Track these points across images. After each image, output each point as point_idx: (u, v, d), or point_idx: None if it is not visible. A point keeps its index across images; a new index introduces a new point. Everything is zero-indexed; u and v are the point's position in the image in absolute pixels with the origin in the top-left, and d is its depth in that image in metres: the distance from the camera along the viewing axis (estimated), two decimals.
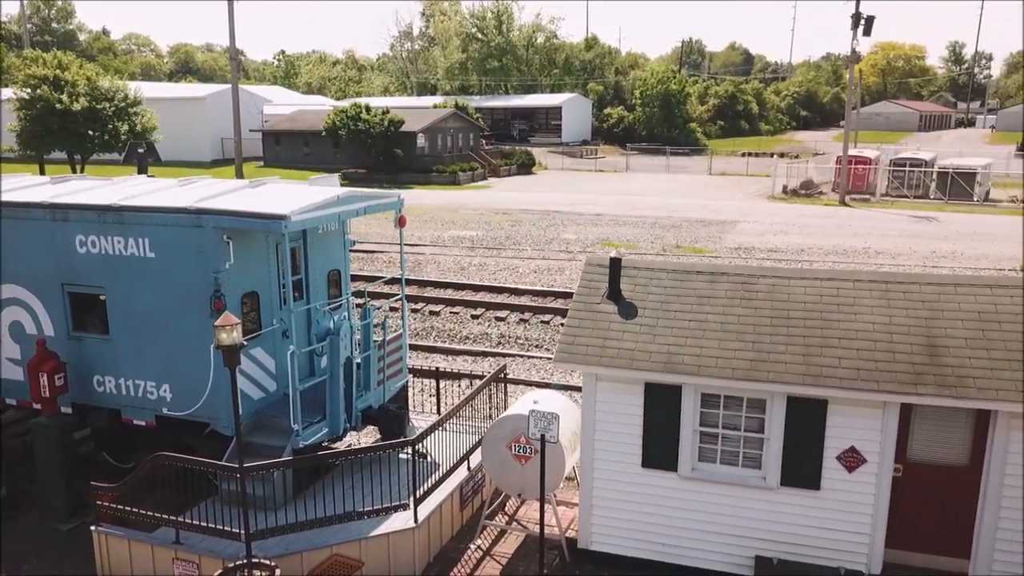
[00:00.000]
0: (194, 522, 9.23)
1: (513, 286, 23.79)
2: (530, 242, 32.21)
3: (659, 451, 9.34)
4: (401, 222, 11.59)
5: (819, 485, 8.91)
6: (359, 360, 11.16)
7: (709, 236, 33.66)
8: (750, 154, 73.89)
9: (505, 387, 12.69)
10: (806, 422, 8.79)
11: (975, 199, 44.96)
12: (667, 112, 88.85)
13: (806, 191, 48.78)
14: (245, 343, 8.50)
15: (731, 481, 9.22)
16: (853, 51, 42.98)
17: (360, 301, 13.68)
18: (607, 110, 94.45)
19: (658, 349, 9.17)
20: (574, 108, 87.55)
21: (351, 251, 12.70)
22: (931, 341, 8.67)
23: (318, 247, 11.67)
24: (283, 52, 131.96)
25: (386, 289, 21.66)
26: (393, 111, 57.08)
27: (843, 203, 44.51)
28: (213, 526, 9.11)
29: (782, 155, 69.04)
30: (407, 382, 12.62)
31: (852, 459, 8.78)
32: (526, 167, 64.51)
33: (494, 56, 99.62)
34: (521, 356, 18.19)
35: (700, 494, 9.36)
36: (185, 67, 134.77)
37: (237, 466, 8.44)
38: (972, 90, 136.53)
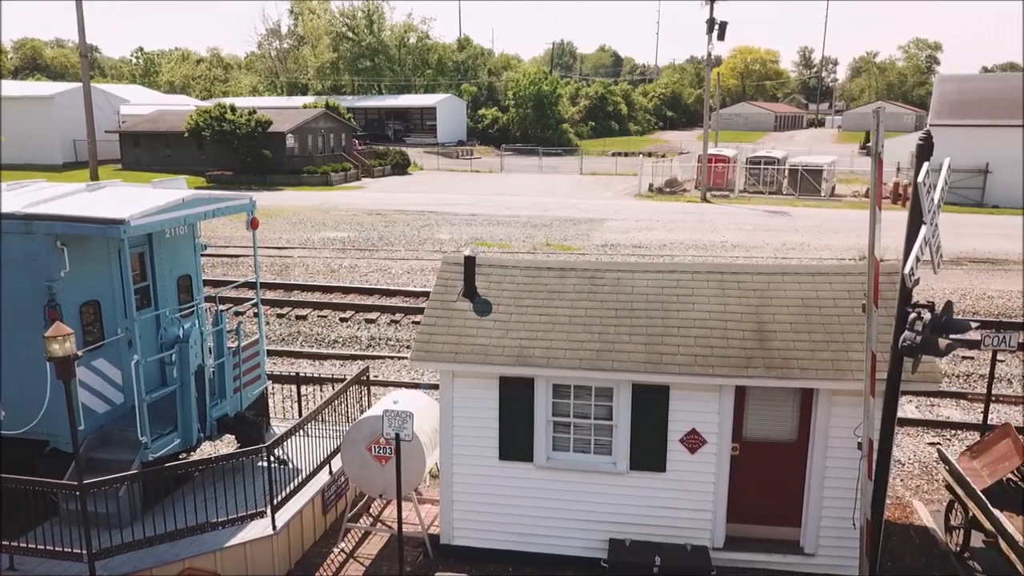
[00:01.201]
0: (30, 545, 8.73)
1: (385, 287, 23.64)
2: (403, 242, 32.07)
3: (515, 443, 9.59)
4: (253, 224, 11.34)
5: (664, 467, 9.40)
6: (213, 368, 10.86)
7: (578, 234, 34.53)
8: (619, 154, 76.21)
9: (368, 389, 12.64)
10: (650, 408, 9.26)
11: (822, 194, 48.12)
12: (540, 113, 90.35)
13: (670, 189, 50.82)
14: (80, 354, 8.12)
15: (584, 468, 9.58)
16: (709, 55, 45.18)
17: (225, 308, 13.28)
18: (482, 111, 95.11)
19: (511, 344, 9.40)
20: (449, 109, 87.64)
21: (211, 255, 12.30)
22: (760, 327, 9.31)
23: (166, 252, 11.25)
24: (141, 49, 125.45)
25: (249, 294, 21.06)
26: (261, 111, 55.36)
27: (704, 200, 46.64)
28: (51, 548, 8.64)
29: (649, 154, 71.50)
30: (266, 389, 12.36)
31: (694, 441, 9.31)
32: (401, 167, 64.08)
33: (366, 56, 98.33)
34: (392, 358, 18.13)
35: (556, 482, 9.68)
36: (32, 64, 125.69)
37: (75, 483, 8.05)
38: (821, 92, 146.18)
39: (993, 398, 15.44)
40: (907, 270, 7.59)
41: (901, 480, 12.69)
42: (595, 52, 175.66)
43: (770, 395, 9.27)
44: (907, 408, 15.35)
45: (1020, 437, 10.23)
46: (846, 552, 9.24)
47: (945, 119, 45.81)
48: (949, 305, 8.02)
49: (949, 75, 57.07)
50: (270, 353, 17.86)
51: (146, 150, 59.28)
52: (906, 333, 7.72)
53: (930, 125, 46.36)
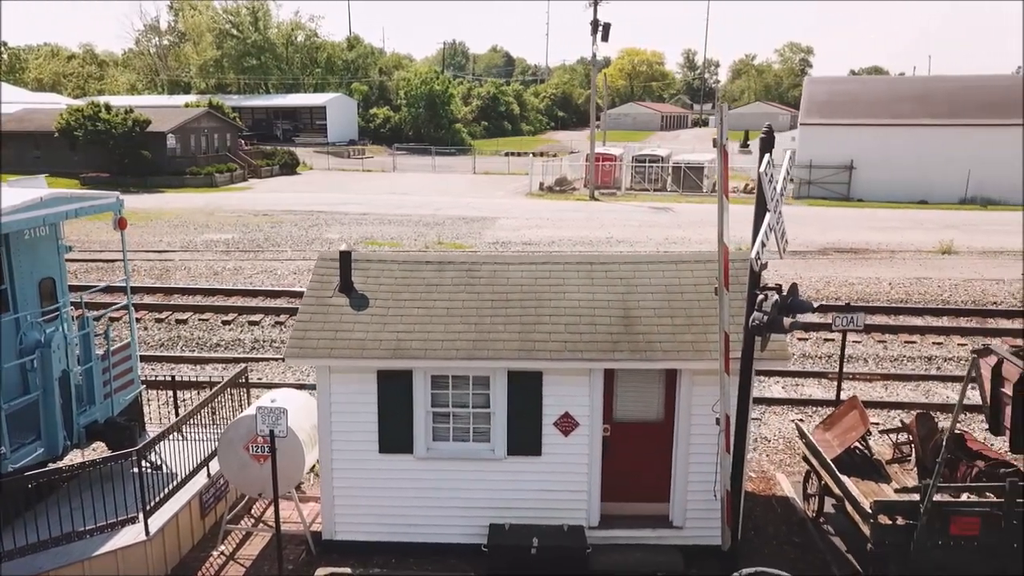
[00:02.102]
0: None
1: (270, 288, 23.20)
2: (291, 243, 31.50)
3: (395, 435, 9.69)
4: (121, 224, 10.97)
5: (540, 451, 9.72)
6: (80, 373, 10.46)
7: (470, 232, 34.79)
8: (512, 153, 77.09)
9: (248, 391, 12.45)
10: (526, 394, 9.55)
11: (704, 190, 50.17)
12: (432, 112, 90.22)
13: (561, 187, 51.82)
14: None
15: (464, 456, 9.79)
16: (594, 56, 46.34)
17: (98, 313, 12.75)
18: (373, 110, 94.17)
19: (388, 337, 9.50)
20: (339, 108, 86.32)
21: (85, 259, 11.81)
22: (627, 313, 9.76)
23: (25, 254, 10.73)
24: (5, 44, 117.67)
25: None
26: (139, 110, 53.05)
27: (593, 198, 47.81)
28: None
29: (541, 154, 72.64)
30: (140, 394, 11.99)
31: (567, 424, 9.66)
32: (290, 167, 62.74)
33: (252, 54, 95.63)
34: (276, 359, 17.84)
35: (436, 472, 9.84)
36: None
37: None
38: (704, 93, 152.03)
39: (847, 375, 16.66)
40: (753, 255, 8.16)
41: (767, 455, 13.50)
42: (487, 52, 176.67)
43: (637, 377, 9.72)
44: (774, 388, 16.32)
45: (865, 409, 11.10)
46: (712, 523, 9.79)
47: (815, 118, 48.61)
48: (794, 287, 8.67)
49: (818, 77, 60.54)
50: (148, 359, 17.28)
51: (12, 150, 55.73)
52: (755, 313, 8.31)
53: (801, 124, 49.17)
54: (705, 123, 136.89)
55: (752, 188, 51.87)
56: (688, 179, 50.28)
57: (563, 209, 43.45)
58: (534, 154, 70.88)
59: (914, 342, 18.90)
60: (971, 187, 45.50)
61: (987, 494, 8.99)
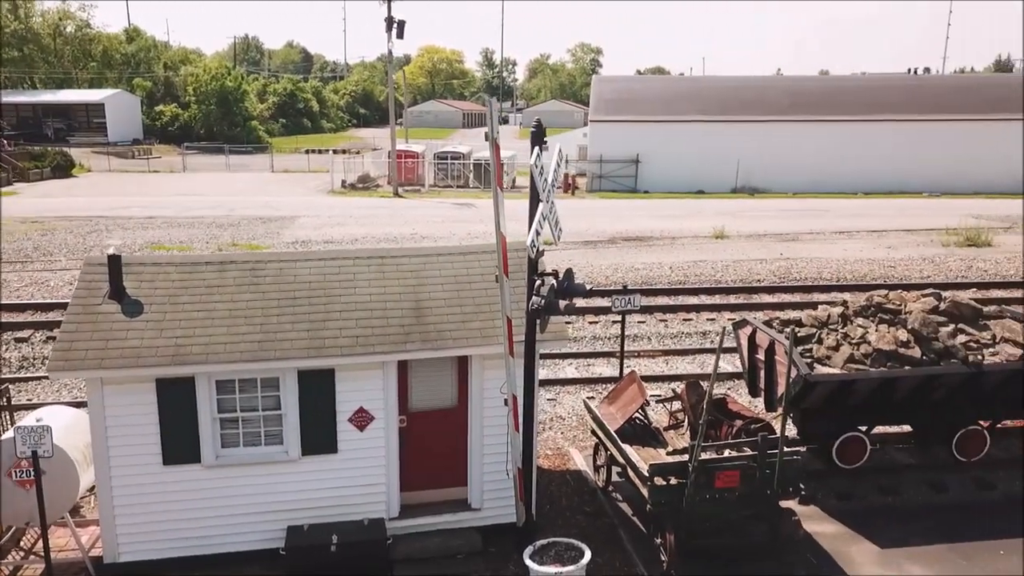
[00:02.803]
0: None
1: (41, 301, 21.18)
2: (65, 252, 28.86)
3: (180, 445, 9.26)
4: None
5: (336, 448, 9.67)
6: None
7: (268, 232, 33.59)
8: (313, 151, 75.10)
9: (11, 413, 11.35)
10: (318, 392, 9.46)
11: (505, 186, 51.57)
12: (225, 110, 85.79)
13: (363, 185, 51.25)
14: None
15: (256, 461, 9.54)
16: (390, 52, 46.24)
17: None
18: (159, 108, 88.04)
19: (166, 343, 9.06)
20: (119, 105, 79.86)
21: None
22: (418, 304, 9.93)
23: None
24: None
25: None
26: None
27: (397, 194, 47.71)
28: None
29: (344, 151, 71.34)
30: None
31: (362, 418, 9.69)
32: (63, 170, 57.26)
33: (12, 45, 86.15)
34: (45, 378, 16.35)
35: (228, 479, 9.52)
36: None
37: None
38: (503, 91, 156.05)
39: (634, 353, 17.90)
40: (528, 243, 8.60)
41: (561, 432, 14.22)
42: (283, 48, 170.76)
43: (430, 367, 9.93)
44: (568, 369, 17.21)
45: (644, 383, 12.02)
46: (508, 502, 10.20)
47: (603, 115, 51.41)
48: (569, 272, 9.23)
49: (604, 76, 64.07)
50: None
51: None
52: (533, 298, 8.76)
53: (591, 121, 51.82)
54: (505, 120, 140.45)
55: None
56: (489, 175, 51.43)
57: (366, 206, 43.00)
58: (335, 151, 69.48)
59: (691, 319, 20.62)
60: (740, 178, 50.11)
61: (744, 449, 10.05)
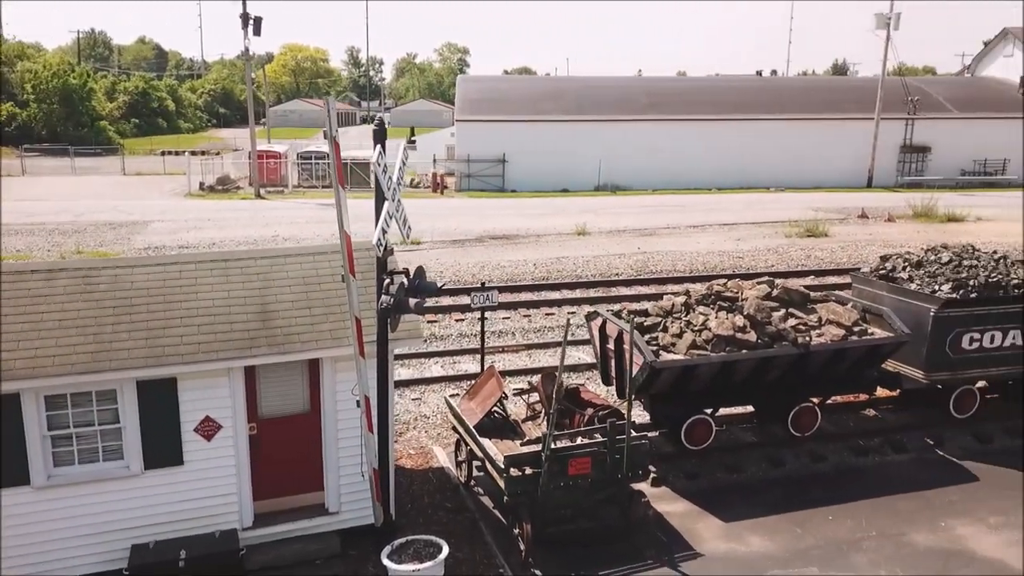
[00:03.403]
0: None
1: None
2: None
3: (6, 467, 8.66)
4: None
5: (182, 460, 9.32)
6: None
7: (118, 238, 31.80)
8: (169, 152, 71.66)
9: None
10: (159, 403, 9.08)
11: (372, 186, 50.98)
12: (70, 109, 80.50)
13: (223, 187, 49.36)
14: None
15: (94, 478, 9.05)
16: (247, 50, 44.72)
17: None
18: None
19: None
20: None
21: None
22: (264, 308, 9.71)
23: None
24: None
25: None
26: None
27: (259, 196, 46.26)
28: None
29: (203, 152, 68.41)
30: None
31: (208, 428, 9.38)
32: None
33: None
34: None
35: (63, 500, 8.98)
36: None
37: None
38: (371, 91, 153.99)
39: (498, 348, 18.18)
40: (375, 241, 8.59)
41: (425, 431, 14.25)
42: (135, 44, 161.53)
43: (279, 371, 9.73)
44: (433, 368, 17.26)
45: (507, 376, 12.24)
46: (367, 504, 10.14)
47: (468, 115, 51.72)
48: (420, 270, 9.28)
49: (469, 76, 64.52)
50: None
51: None
52: (383, 297, 8.76)
53: (456, 121, 52.03)
54: (374, 119, 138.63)
55: (418, 182, 53.94)
56: (356, 175, 50.64)
57: (226, 209, 41.43)
58: (193, 152, 66.52)
59: (553, 313, 21.13)
60: (603, 176, 51.67)
61: (595, 436, 10.43)
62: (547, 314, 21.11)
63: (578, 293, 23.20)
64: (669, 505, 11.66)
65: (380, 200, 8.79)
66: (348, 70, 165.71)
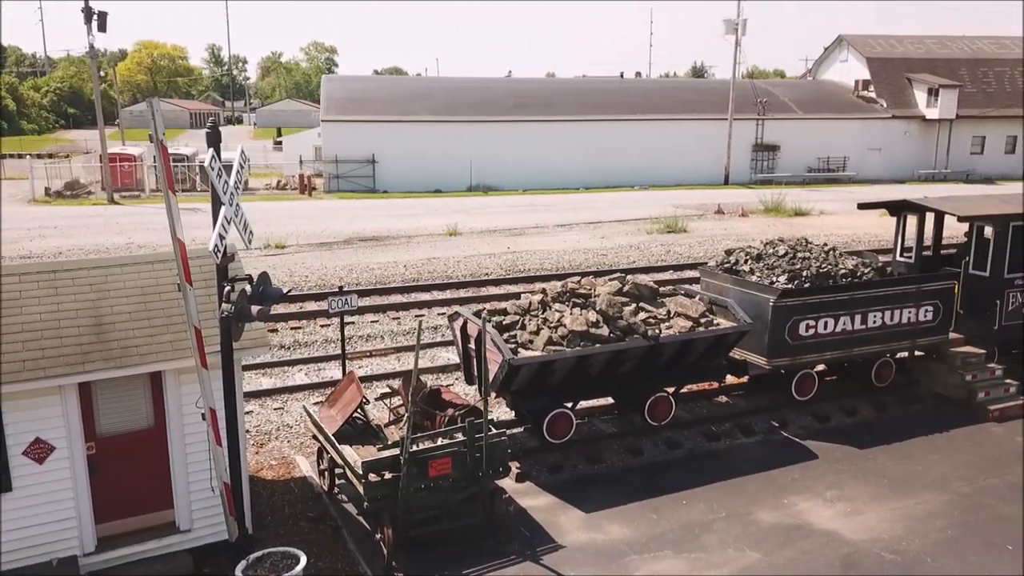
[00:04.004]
0: None
1: None
2: None
3: None
4: None
5: (10, 486, 8.69)
6: None
7: None
8: (12, 155, 66.55)
9: None
10: None
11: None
12: None
13: (72, 192, 46.29)
14: None
15: None
16: (92, 46, 42.07)
17: None
18: None
19: None
20: None
21: None
22: (98, 320, 9.18)
23: None
24: None
25: None
26: None
27: (112, 201, 43.71)
28: None
29: (50, 155, 63.90)
30: None
31: (40, 450, 8.79)
32: None
33: None
34: None
35: None
36: None
37: None
38: (235, 90, 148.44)
39: (365, 353, 17.97)
40: (211, 248, 8.28)
41: (288, 441, 13.89)
42: None
43: (119, 386, 9.24)
44: (297, 376, 16.84)
45: (379, 380, 12.10)
46: (220, 519, 9.77)
47: (334, 115, 50.76)
48: (264, 276, 9.02)
49: (333, 76, 63.45)
50: None
51: None
52: (223, 305, 8.46)
53: (322, 121, 51.00)
54: (240, 120, 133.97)
55: (285, 184, 52.48)
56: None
57: (76, 215, 38.88)
58: (39, 156, 62.01)
59: (423, 315, 21.07)
60: (474, 176, 51.95)
61: (456, 436, 10.48)
62: (417, 316, 21.02)
63: (448, 294, 23.23)
64: (533, 500, 11.86)
65: (217, 205, 8.49)
66: (210, 69, 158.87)
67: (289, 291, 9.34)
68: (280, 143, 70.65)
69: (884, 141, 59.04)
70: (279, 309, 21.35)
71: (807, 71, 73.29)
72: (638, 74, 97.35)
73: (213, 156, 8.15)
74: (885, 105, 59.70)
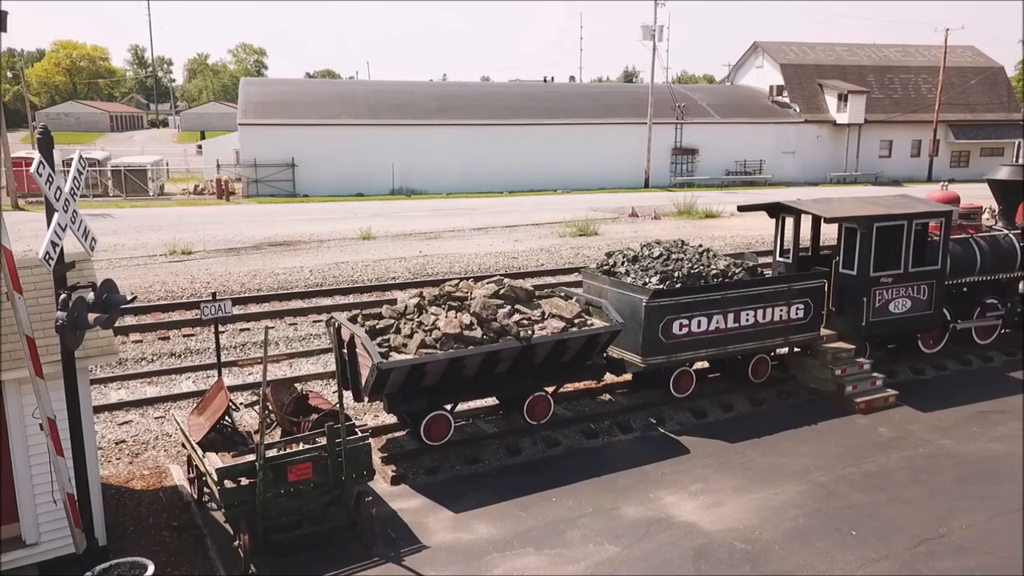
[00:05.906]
0: None
1: None
2: None
3: None
4: None
5: None
6: None
7: None
8: None
9: None
10: None
11: (151, 193, 48.07)
12: None
13: None
14: None
15: None
16: None
17: None
18: None
19: None
20: None
21: None
22: None
23: None
24: None
25: None
26: None
27: (17, 207, 42.26)
28: None
29: None
30: None
31: None
32: None
33: None
34: None
35: None
36: None
37: None
38: (159, 92, 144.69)
39: (258, 360, 17.81)
40: (42, 255, 8.17)
41: (165, 450, 13.69)
42: None
43: None
44: (183, 384, 16.59)
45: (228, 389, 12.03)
46: (68, 531, 9.60)
47: (251, 119, 50.02)
48: (108, 283, 8.93)
49: (251, 79, 62.53)
50: None
51: None
52: (58, 313, 8.35)
53: (239, 124, 50.19)
54: (164, 123, 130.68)
55: (203, 188, 51.46)
56: (131, 182, 47.61)
57: None
58: None
59: (321, 320, 20.95)
60: (397, 180, 51.80)
61: (318, 440, 10.51)
62: (315, 321, 20.90)
63: (351, 298, 23.15)
64: (405, 502, 11.95)
65: (50, 212, 8.36)
66: (133, 70, 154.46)
67: (133, 298, 9.25)
68: (199, 146, 69.27)
69: (798, 145, 61.01)
70: (175, 316, 21.01)
71: (726, 77, 75.21)
72: (572, 78, 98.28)
73: (41, 163, 8.02)
74: (798, 110, 61.71)
